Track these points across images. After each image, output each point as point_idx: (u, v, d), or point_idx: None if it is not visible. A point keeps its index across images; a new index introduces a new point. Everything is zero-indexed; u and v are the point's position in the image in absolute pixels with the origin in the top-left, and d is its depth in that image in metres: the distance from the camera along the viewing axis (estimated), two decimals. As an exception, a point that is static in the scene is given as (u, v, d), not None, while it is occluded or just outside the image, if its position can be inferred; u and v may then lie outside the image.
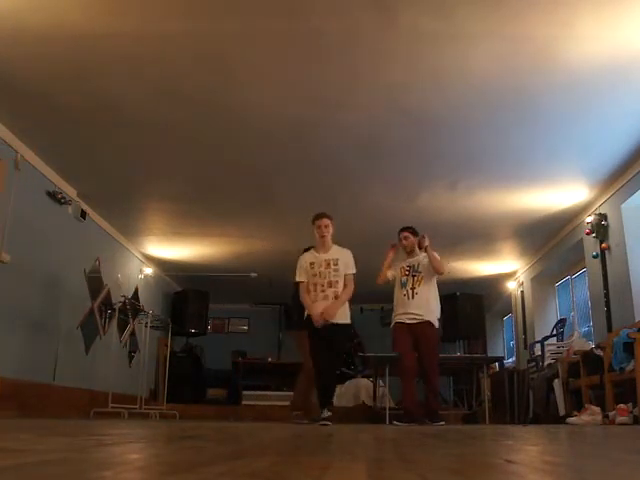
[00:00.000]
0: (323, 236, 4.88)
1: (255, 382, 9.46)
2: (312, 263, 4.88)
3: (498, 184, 6.21)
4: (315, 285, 4.82)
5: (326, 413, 4.65)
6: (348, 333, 5.42)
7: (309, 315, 4.81)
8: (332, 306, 4.74)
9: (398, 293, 5.29)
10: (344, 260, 4.88)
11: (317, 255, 4.91)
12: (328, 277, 4.80)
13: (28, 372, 5.61)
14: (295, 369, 6.06)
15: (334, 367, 5.07)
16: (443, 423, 5.01)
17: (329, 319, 4.71)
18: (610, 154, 5.45)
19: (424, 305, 5.18)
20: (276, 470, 0.96)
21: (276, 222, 7.63)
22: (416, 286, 5.20)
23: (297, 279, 4.93)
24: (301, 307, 4.99)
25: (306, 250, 5.16)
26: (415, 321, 5.14)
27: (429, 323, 5.15)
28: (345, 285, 4.82)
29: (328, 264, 4.84)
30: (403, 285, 5.25)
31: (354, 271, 4.88)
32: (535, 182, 6.12)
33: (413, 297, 5.19)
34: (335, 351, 4.91)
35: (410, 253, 5.36)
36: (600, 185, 6.13)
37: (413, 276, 5.24)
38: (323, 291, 4.79)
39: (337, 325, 4.78)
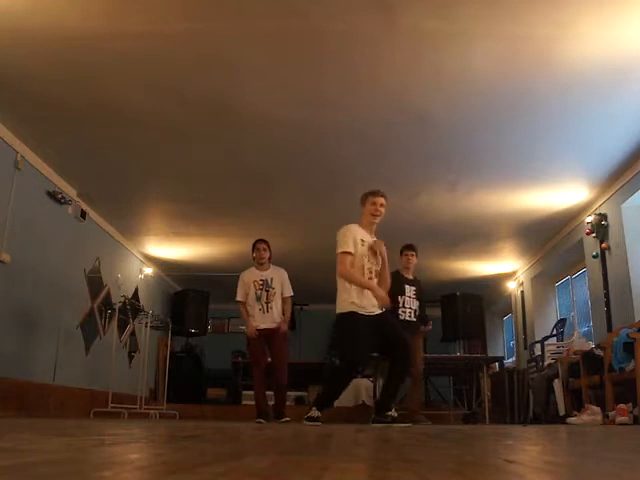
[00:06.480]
0: (376, 215, 4.35)
1: (255, 382, 9.43)
2: (363, 240, 4.29)
3: (498, 184, 6.21)
4: (363, 268, 4.22)
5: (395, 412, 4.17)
6: None
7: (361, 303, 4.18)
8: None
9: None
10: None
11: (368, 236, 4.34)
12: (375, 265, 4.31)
13: (28, 372, 5.61)
14: (295, 369, 6.06)
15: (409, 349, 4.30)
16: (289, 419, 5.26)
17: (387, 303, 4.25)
18: (610, 154, 5.45)
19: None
20: (276, 470, 0.96)
21: (276, 222, 7.63)
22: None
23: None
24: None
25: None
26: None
27: None
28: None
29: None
30: None
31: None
32: (535, 182, 6.12)
33: None
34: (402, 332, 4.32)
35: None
36: (600, 185, 6.13)
37: None
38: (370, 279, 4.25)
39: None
